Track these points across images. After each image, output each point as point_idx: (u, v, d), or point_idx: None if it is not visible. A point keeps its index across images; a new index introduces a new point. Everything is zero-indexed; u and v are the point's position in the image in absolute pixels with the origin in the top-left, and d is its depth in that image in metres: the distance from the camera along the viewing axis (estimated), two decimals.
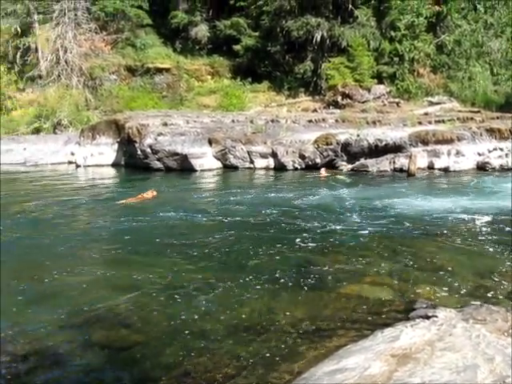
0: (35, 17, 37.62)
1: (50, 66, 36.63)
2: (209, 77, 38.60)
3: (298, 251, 9.74)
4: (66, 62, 36.57)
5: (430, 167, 21.34)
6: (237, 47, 36.98)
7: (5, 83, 35.44)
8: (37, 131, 32.03)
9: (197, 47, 39.32)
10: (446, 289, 7.50)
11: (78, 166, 24.73)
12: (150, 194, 15.61)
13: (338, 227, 11.44)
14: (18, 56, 37.13)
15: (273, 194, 16.12)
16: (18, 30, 37.37)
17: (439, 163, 21.32)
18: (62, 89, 34.98)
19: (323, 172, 20.67)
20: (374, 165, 21.23)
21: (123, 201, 15.12)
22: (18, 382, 5.53)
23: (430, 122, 24.41)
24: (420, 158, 20.68)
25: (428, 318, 5.78)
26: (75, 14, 37.31)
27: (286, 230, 11.40)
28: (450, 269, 8.46)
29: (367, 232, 11.01)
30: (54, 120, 32.21)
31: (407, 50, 34.25)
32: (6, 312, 7.08)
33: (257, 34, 37.09)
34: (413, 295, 7.30)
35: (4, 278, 8.44)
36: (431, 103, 31.45)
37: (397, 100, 31.80)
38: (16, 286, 8.11)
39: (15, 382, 5.52)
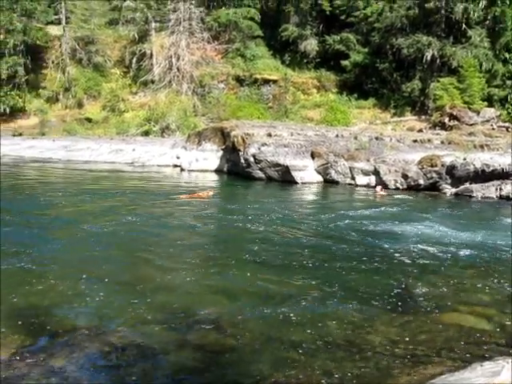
0: (152, 25, 39.44)
1: (162, 71, 38.20)
2: (315, 90, 38.83)
3: (394, 272, 9.61)
4: (177, 69, 37.99)
5: None
6: (345, 62, 36.97)
7: (120, 86, 37.29)
8: (146, 133, 33.42)
9: (305, 60, 39.68)
10: None
11: (182, 170, 25.53)
12: (205, 194, 17.52)
13: (434, 251, 11.17)
14: (133, 61, 39.00)
15: (370, 213, 15.89)
16: (136, 36, 39.31)
17: None
18: (172, 94, 36.39)
19: (379, 190, 20.36)
20: (479, 190, 20.50)
21: (183, 196, 17.17)
22: (116, 372, 5.84)
23: None
24: None
25: None
26: (190, 24, 38.71)
27: (381, 250, 11.27)
28: None
29: (466, 259, 10.70)
30: (162, 124, 33.53)
31: None
32: (110, 307, 7.48)
33: (366, 50, 36.96)
34: None
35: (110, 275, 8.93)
36: None
37: (507, 124, 30.65)
38: (121, 283, 8.55)
39: (113, 372, 5.84)
